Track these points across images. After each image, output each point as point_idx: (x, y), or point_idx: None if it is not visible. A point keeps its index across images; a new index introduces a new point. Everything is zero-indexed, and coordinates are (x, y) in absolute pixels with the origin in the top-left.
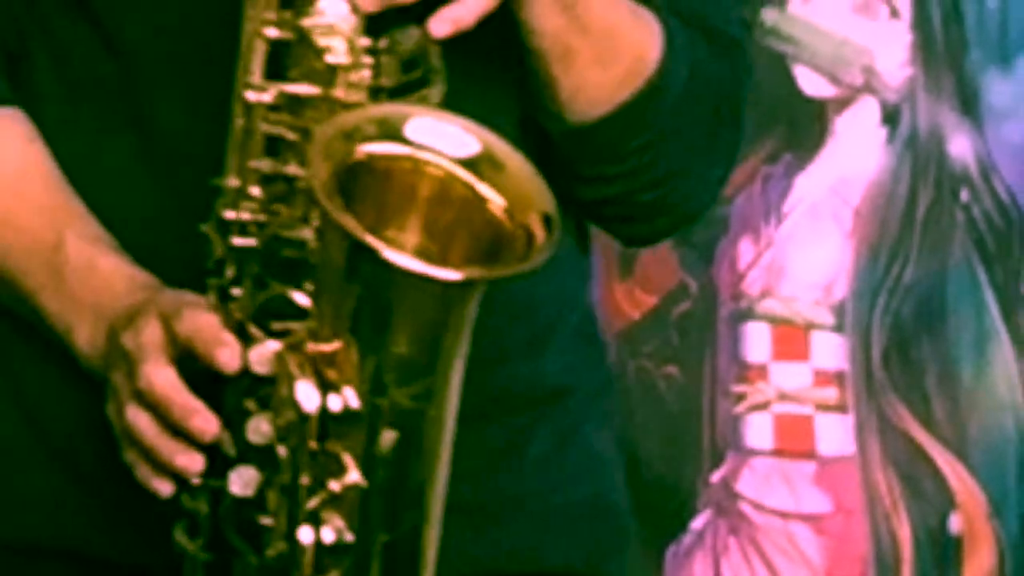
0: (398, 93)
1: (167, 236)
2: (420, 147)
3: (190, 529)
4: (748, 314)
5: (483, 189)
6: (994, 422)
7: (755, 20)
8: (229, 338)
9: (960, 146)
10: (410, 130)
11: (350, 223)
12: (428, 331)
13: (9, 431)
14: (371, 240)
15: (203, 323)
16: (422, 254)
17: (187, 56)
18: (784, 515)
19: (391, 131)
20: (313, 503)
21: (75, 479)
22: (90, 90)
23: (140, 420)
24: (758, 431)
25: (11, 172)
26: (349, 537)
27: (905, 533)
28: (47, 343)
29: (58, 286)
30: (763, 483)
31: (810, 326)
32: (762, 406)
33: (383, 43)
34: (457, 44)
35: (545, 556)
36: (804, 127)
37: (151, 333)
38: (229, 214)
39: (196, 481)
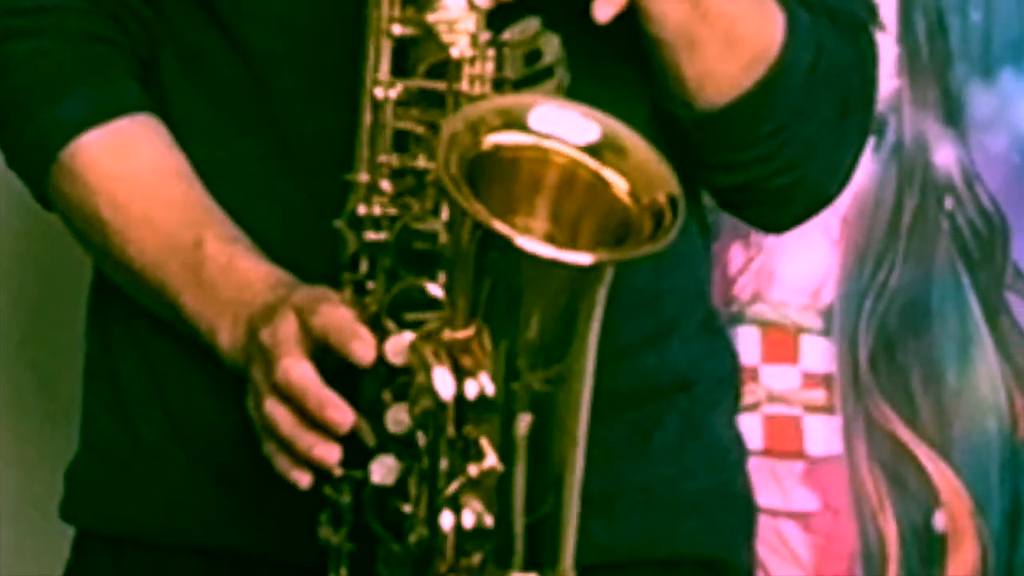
0: (522, 85)
1: (301, 235)
2: (544, 136)
3: (333, 520)
4: (739, 318)
5: (607, 174)
6: (977, 423)
7: None
8: (363, 331)
9: (944, 155)
10: (533, 119)
11: (479, 211)
12: (560, 315)
13: (153, 435)
14: (501, 227)
15: (338, 317)
16: (550, 240)
17: (314, 57)
18: (773, 513)
19: (515, 121)
20: (453, 488)
21: (216, 478)
22: (219, 93)
23: (278, 413)
24: (748, 431)
25: (149, 174)
26: (489, 521)
27: (891, 530)
28: (189, 345)
29: (199, 285)
30: (753, 482)
31: (799, 330)
32: (752, 407)
33: (505, 36)
34: (586, 39)
35: (675, 543)
36: None
37: (287, 328)
38: (361, 209)
39: (337, 472)
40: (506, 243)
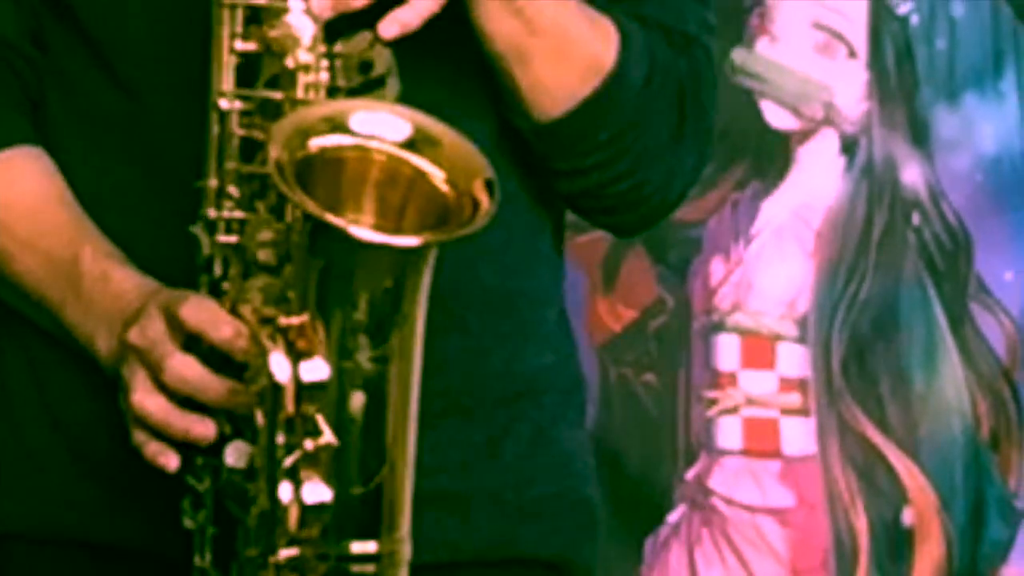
0: (355, 93)
1: (169, 248)
2: (363, 136)
3: (194, 505)
4: (719, 327)
5: (424, 166)
6: (943, 425)
7: (725, 59)
8: (227, 318)
9: (912, 174)
10: (354, 122)
11: (310, 204)
12: (387, 298)
13: (38, 438)
14: (331, 218)
15: (207, 309)
16: (378, 229)
17: (184, 84)
18: (752, 509)
19: (338, 124)
20: (290, 461)
21: (92, 475)
22: (99, 125)
23: (150, 402)
24: (728, 433)
25: (31, 203)
26: (327, 493)
27: (862, 525)
28: (71, 355)
29: (77, 297)
30: (733, 480)
31: (776, 337)
32: (732, 410)
33: (338, 47)
34: (434, 56)
35: (520, 544)
36: (770, 157)
37: (155, 326)
38: (211, 213)
39: (198, 462)
40: (337, 232)
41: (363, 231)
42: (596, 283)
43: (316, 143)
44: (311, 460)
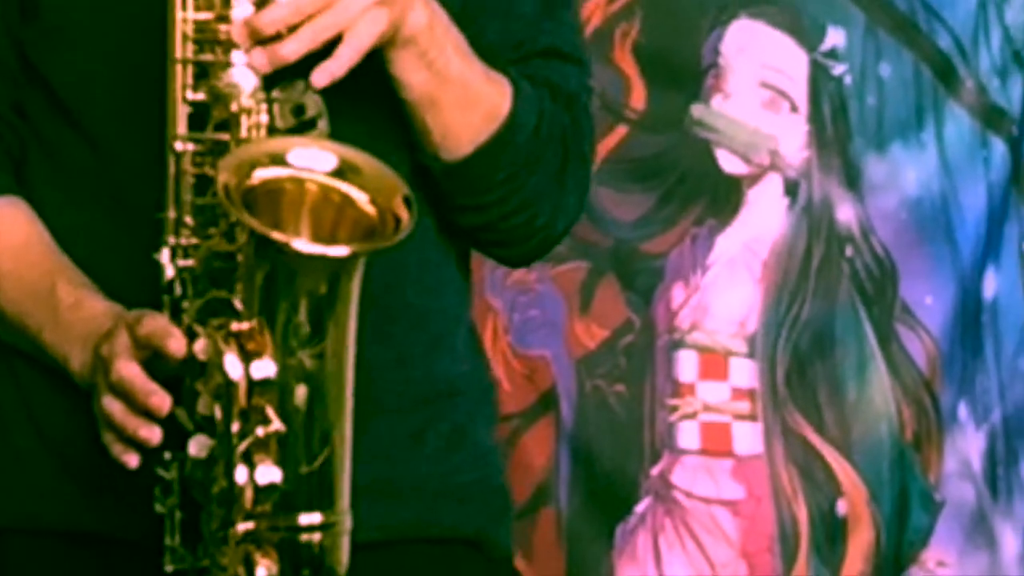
0: (292, 133)
1: (134, 274)
2: (296, 168)
3: (164, 492)
4: (680, 344)
5: (350, 190)
6: (872, 428)
7: (685, 114)
8: (176, 331)
9: (845, 212)
10: (290, 156)
11: (254, 222)
12: (323, 303)
13: (23, 442)
14: (274, 234)
15: (156, 323)
16: (313, 244)
17: (144, 135)
18: (708, 501)
19: (276, 158)
20: (243, 446)
21: (71, 474)
22: (72, 176)
23: (111, 405)
24: (688, 435)
25: (15, 243)
26: (277, 473)
27: (803, 515)
28: (51, 374)
29: (55, 323)
30: (692, 476)
31: (728, 353)
32: (691, 416)
33: (275, 93)
34: (357, 106)
35: (443, 524)
36: (724, 198)
37: (120, 340)
38: (171, 240)
39: (167, 456)
40: (277, 245)
41: (300, 243)
42: (574, 306)
43: (259, 175)
44: (262, 445)
